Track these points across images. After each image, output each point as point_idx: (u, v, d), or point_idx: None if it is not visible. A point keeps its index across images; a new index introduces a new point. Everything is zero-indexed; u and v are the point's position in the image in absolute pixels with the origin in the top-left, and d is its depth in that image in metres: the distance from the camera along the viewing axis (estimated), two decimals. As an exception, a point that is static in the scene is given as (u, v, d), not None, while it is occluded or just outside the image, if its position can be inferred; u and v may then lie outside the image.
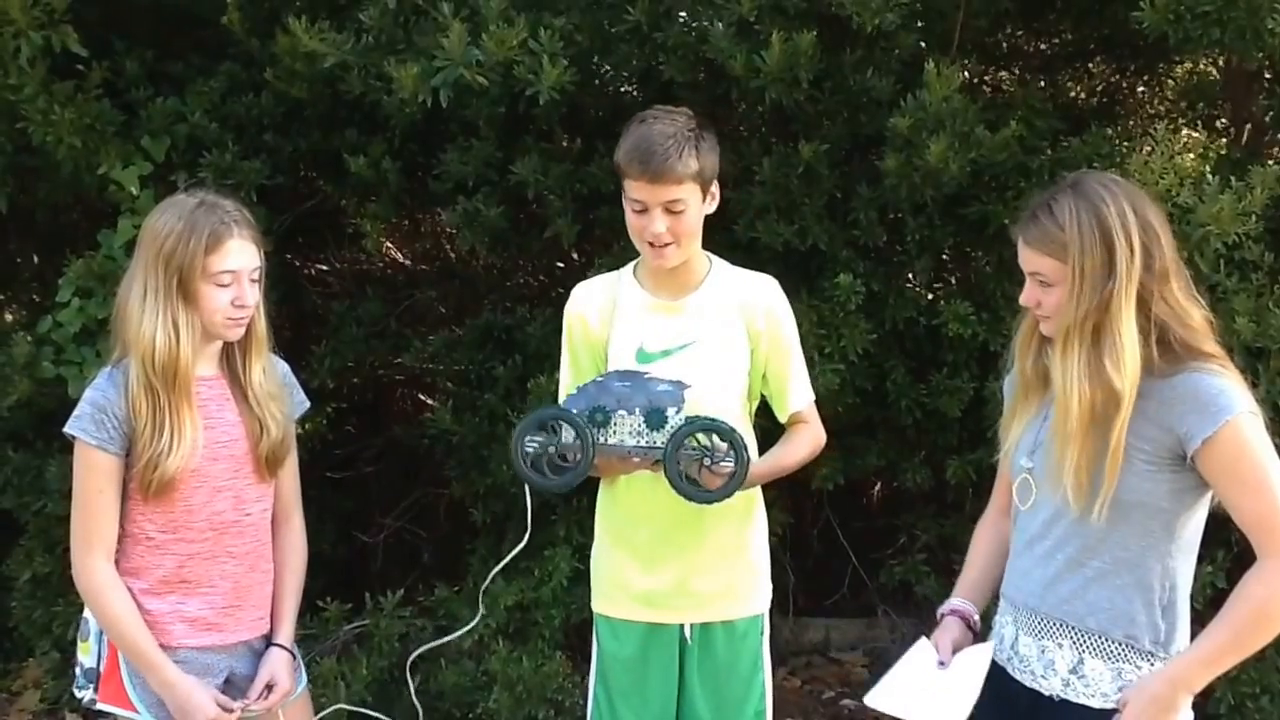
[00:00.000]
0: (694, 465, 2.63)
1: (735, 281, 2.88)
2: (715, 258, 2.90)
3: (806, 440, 2.93)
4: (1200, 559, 3.74)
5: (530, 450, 2.63)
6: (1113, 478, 2.25)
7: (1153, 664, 2.31)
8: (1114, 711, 2.31)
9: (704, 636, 2.87)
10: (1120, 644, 2.32)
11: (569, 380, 2.88)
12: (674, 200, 2.65)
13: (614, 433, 2.64)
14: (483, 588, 3.35)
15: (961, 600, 2.62)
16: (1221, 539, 3.89)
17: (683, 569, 2.83)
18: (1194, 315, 2.31)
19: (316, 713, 3.01)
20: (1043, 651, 2.39)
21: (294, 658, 2.84)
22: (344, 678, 3.97)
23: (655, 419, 2.62)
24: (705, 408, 2.70)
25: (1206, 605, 3.88)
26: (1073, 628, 2.35)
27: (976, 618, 2.59)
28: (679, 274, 2.82)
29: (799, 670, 5.00)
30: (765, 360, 2.86)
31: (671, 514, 2.75)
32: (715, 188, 2.76)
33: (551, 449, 2.62)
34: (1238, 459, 2.21)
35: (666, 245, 2.70)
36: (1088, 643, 2.34)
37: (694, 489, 2.65)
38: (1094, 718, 2.32)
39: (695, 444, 2.63)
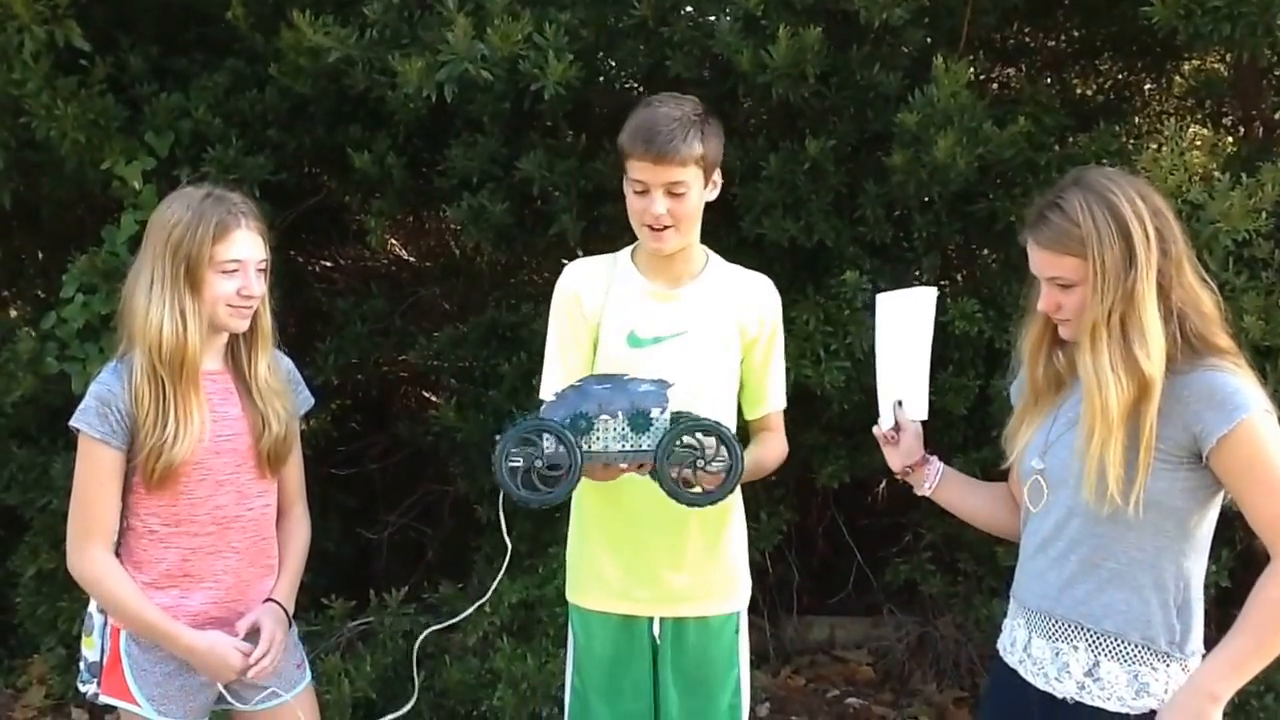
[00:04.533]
0: (686, 467, 2.56)
1: (732, 277, 2.88)
2: (712, 253, 2.90)
3: (777, 447, 2.95)
4: (1206, 558, 3.77)
5: (515, 465, 2.53)
6: (1146, 469, 2.23)
7: (1168, 665, 2.30)
8: (1131, 715, 2.30)
9: (677, 633, 2.84)
10: (1137, 646, 2.30)
11: (557, 360, 2.84)
12: (676, 182, 2.64)
13: (598, 439, 2.55)
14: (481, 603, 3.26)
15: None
16: (1226, 538, 3.88)
17: (657, 562, 2.80)
18: (1205, 301, 2.30)
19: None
20: (1057, 654, 2.37)
21: (288, 617, 2.82)
22: (348, 674, 3.97)
23: (639, 422, 2.55)
24: (696, 399, 2.68)
25: (1211, 604, 3.86)
26: (1088, 630, 2.33)
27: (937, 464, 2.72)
28: (676, 263, 2.81)
29: (804, 669, 4.98)
30: (752, 358, 2.86)
31: (649, 505, 2.70)
32: (718, 175, 2.75)
33: (538, 462, 2.53)
34: (1253, 458, 2.20)
35: (666, 228, 2.69)
36: (1104, 645, 2.32)
37: (689, 492, 2.58)
38: None
39: (685, 445, 2.56)
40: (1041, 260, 2.32)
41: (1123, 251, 2.22)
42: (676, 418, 2.58)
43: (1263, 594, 2.22)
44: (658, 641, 2.84)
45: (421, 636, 3.21)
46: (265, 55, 4.08)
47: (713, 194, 2.76)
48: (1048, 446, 2.41)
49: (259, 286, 2.67)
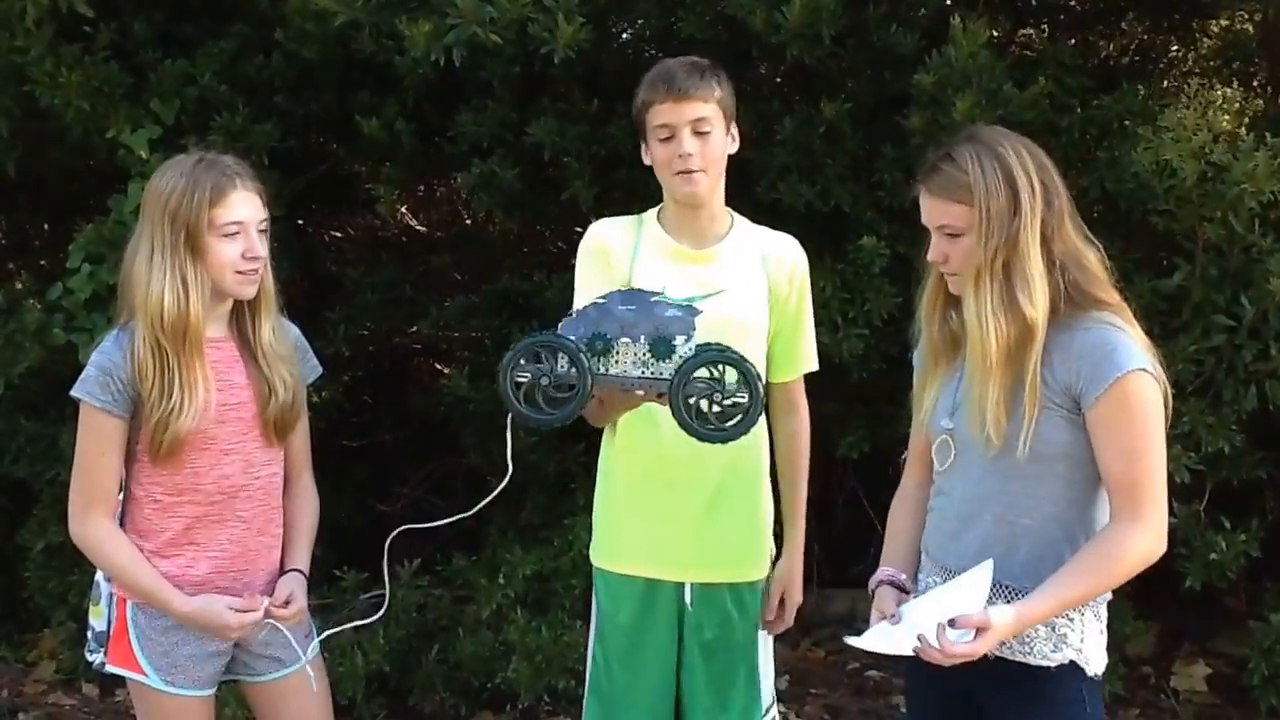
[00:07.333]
0: (701, 398, 2.42)
1: (760, 237, 2.85)
2: (737, 215, 2.86)
3: (803, 430, 2.96)
4: (1233, 528, 3.70)
5: (522, 380, 2.42)
6: (1032, 410, 2.26)
7: (1083, 614, 2.33)
8: (1051, 668, 2.31)
9: (705, 599, 2.79)
10: None
11: None
12: (700, 119, 2.64)
13: (616, 362, 2.42)
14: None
15: (893, 570, 2.56)
16: (1256, 506, 3.83)
17: (689, 524, 2.75)
18: (1089, 256, 2.35)
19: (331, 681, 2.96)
20: None
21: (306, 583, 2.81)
22: (361, 647, 3.95)
23: (661, 348, 2.42)
24: None
25: (1241, 575, 3.81)
26: (1007, 587, 2.33)
27: (909, 583, 2.55)
28: (703, 223, 2.78)
29: (824, 641, 4.94)
30: (783, 318, 2.83)
31: (680, 466, 2.66)
32: (735, 130, 2.74)
33: (545, 380, 2.41)
34: (1120, 417, 2.25)
35: (696, 171, 2.66)
36: None
37: (702, 426, 2.42)
38: (1032, 675, 2.31)
39: (704, 376, 2.41)
40: (932, 208, 2.37)
41: (1008, 199, 2.28)
42: (702, 349, 2.44)
43: (1103, 546, 2.26)
44: (688, 607, 2.79)
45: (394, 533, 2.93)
46: (271, 20, 4.05)
47: (733, 146, 2.74)
48: (955, 406, 2.42)
49: (262, 248, 2.64)
